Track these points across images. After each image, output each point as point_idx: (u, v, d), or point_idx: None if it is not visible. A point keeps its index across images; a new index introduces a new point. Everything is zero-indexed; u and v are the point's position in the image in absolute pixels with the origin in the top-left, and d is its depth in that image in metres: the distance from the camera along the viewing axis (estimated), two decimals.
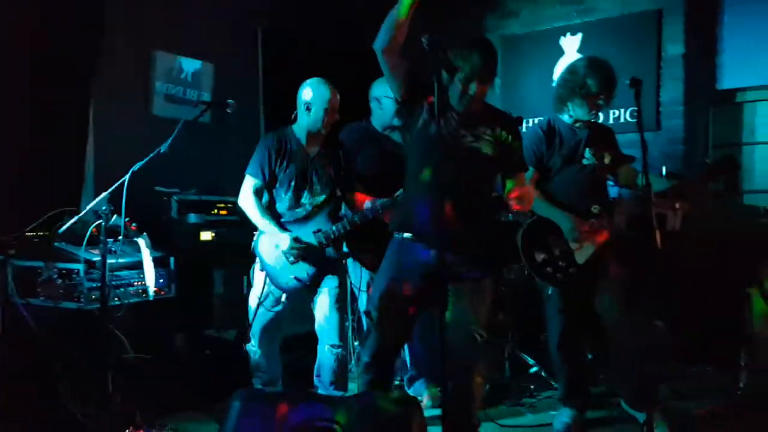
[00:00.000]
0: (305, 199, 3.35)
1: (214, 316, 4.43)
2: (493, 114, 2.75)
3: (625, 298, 3.22)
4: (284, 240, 3.24)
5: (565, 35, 5.47)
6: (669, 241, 2.82)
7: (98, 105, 4.06)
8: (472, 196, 2.63)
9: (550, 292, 3.34)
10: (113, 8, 4.13)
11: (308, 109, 3.32)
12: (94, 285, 3.12)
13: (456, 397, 2.63)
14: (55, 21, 3.76)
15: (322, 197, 3.37)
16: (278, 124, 3.50)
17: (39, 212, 3.28)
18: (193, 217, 4.08)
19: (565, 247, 3.23)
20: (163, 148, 2.96)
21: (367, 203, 3.36)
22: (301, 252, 3.25)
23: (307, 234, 3.29)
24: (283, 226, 3.31)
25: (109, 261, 2.90)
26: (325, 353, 3.40)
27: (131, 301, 3.29)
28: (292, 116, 3.43)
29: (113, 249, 3.03)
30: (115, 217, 2.93)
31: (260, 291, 3.35)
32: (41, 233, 3.28)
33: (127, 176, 2.89)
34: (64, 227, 3.15)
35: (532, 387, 3.95)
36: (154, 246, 3.39)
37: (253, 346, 3.47)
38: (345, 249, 3.52)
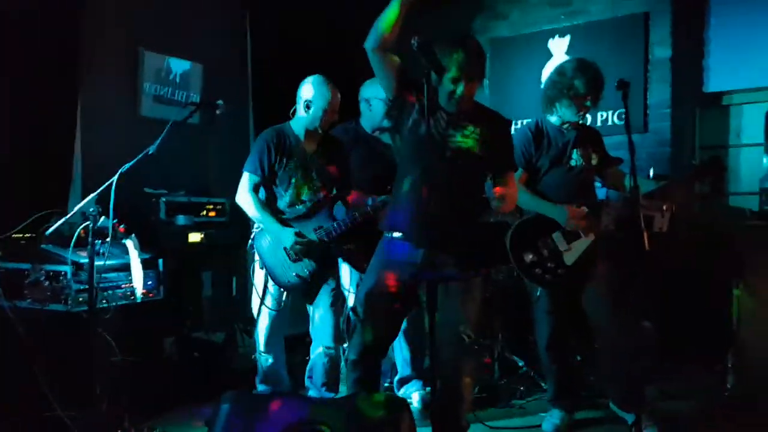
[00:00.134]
0: (306, 196, 3.34)
1: (203, 318, 4.42)
2: (483, 114, 2.75)
3: (613, 299, 3.24)
4: (287, 235, 3.23)
5: (553, 38, 5.50)
6: (656, 242, 2.84)
7: (86, 106, 4.04)
8: (462, 195, 2.64)
9: (538, 293, 3.36)
10: (100, 8, 4.11)
11: (308, 107, 3.32)
12: (82, 287, 3.10)
13: (445, 398, 2.63)
14: (39, 20, 3.73)
15: (323, 194, 3.37)
16: (268, 125, 3.49)
17: (26, 214, 3.25)
18: (181, 219, 4.06)
19: (554, 248, 3.24)
20: (151, 150, 2.95)
21: (369, 200, 3.36)
22: (304, 248, 3.24)
23: (308, 231, 3.29)
24: (284, 223, 3.30)
25: (97, 263, 2.88)
26: (319, 354, 3.40)
27: (119, 303, 3.27)
28: (291, 112, 3.42)
29: (101, 251, 3.00)
30: (103, 218, 2.91)
31: (261, 291, 3.33)
32: (28, 235, 3.25)
33: (115, 177, 2.88)
34: (52, 229, 3.12)
35: (521, 388, 3.96)
36: (142, 248, 3.37)
37: (263, 354, 3.43)
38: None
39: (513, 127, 4.99)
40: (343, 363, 3.52)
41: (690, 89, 5.14)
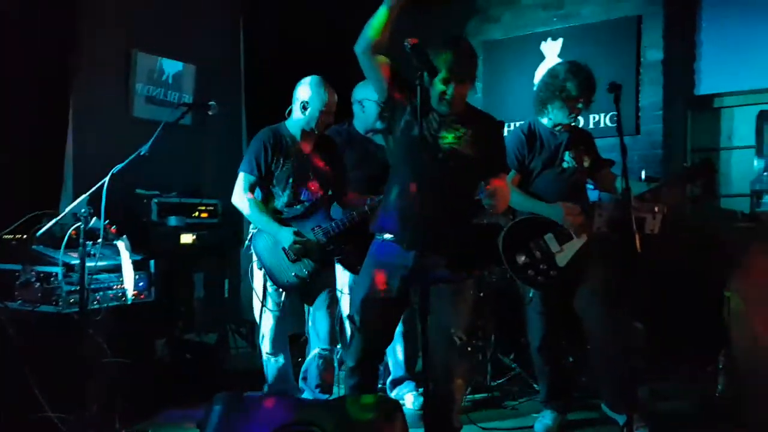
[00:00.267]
0: (304, 196, 3.34)
1: (195, 319, 4.40)
2: (475, 115, 2.76)
3: (605, 301, 3.25)
4: (286, 235, 3.22)
5: (546, 40, 5.52)
6: (648, 244, 2.85)
7: (78, 106, 4.02)
8: (453, 197, 2.64)
9: (531, 294, 3.36)
10: (93, 8, 4.10)
11: (304, 108, 3.31)
12: (73, 288, 3.09)
13: (437, 399, 2.63)
14: (30, 21, 3.71)
15: (320, 194, 3.37)
16: (260, 126, 3.49)
17: (17, 214, 3.23)
18: (173, 220, 4.05)
19: (546, 250, 3.25)
20: (143, 151, 2.94)
21: (367, 200, 3.36)
22: (303, 248, 3.24)
23: (306, 231, 3.28)
24: (282, 222, 3.29)
25: (88, 264, 2.87)
26: (314, 356, 3.39)
27: (110, 304, 3.25)
28: (286, 112, 3.42)
29: (92, 252, 2.99)
30: (94, 219, 2.90)
31: (262, 292, 3.33)
32: (19, 236, 3.23)
33: (107, 178, 2.86)
34: (43, 230, 3.11)
35: (513, 389, 3.96)
36: (133, 249, 3.36)
37: (271, 356, 3.40)
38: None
39: (506, 130, 5.05)
40: (336, 365, 3.52)
41: (681, 92, 5.17)
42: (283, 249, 3.25)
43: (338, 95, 3.42)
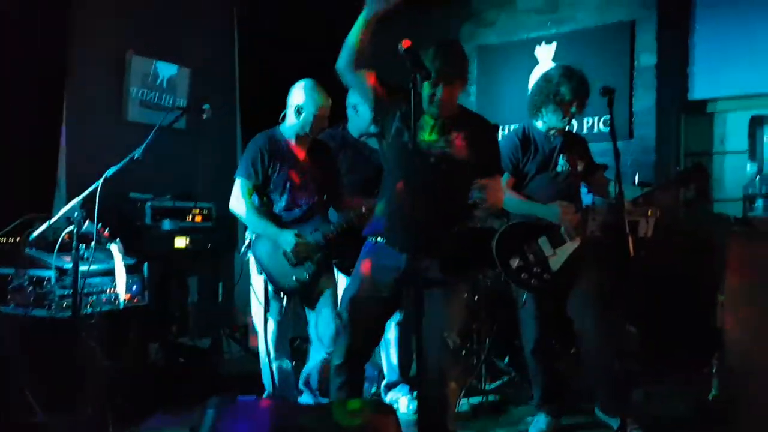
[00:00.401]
0: (301, 200, 3.34)
1: (189, 323, 4.39)
2: (468, 118, 2.76)
3: (598, 305, 3.26)
4: (287, 237, 3.22)
5: (540, 45, 5.54)
6: (641, 247, 2.86)
7: (72, 110, 4.02)
8: (446, 200, 2.64)
9: (525, 298, 3.37)
10: (87, 11, 4.09)
11: (299, 112, 3.31)
12: (66, 292, 3.07)
13: (431, 403, 2.63)
14: (25, 23, 3.71)
15: (317, 198, 3.37)
16: (255, 130, 3.49)
17: (10, 218, 3.22)
18: (167, 224, 4.04)
19: (540, 254, 3.26)
20: (137, 154, 2.93)
21: (363, 204, 3.36)
22: (304, 250, 3.23)
23: (305, 234, 3.28)
24: (282, 225, 3.29)
25: (81, 268, 2.86)
26: (317, 359, 3.38)
27: (104, 309, 3.24)
28: (280, 117, 3.42)
29: (85, 256, 2.98)
30: (87, 223, 2.89)
31: (263, 298, 3.32)
32: (12, 239, 3.23)
33: (100, 182, 2.85)
34: (36, 233, 3.10)
35: (507, 393, 3.96)
36: (127, 252, 3.35)
37: (275, 360, 3.39)
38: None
39: (500, 133, 5.06)
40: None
41: (675, 96, 5.19)
42: (284, 253, 3.25)
43: (332, 99, 3.42)
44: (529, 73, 5.47)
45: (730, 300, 3.56)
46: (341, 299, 2.90)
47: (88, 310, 3.14)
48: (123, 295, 3.29)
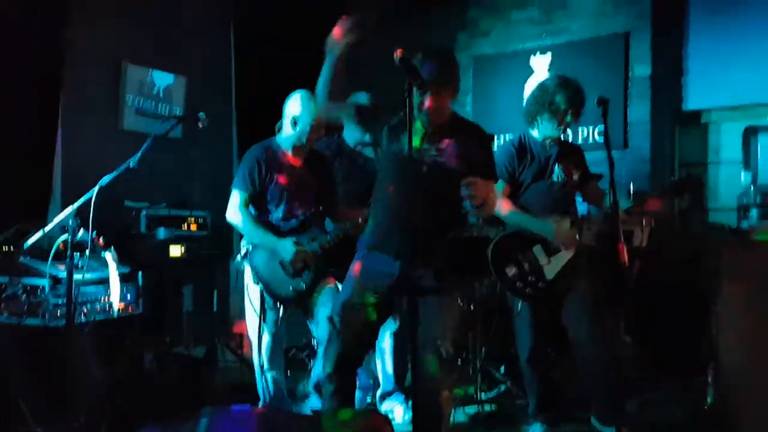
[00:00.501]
0: (298, 210, 3.34)
1: (183, 332, 4.37)
2: (461, 126, 2.76)
3: (593, 313, 3.26)
4: (286, 246, 3.22)
5: (535, 55, 5.57)
6: (635, 257, 2.87)
7: (67, 118, 4.02)
8: (439, 208, 2.64)
9: (520, 306, 3.37)
10: (83, 19, 4.10)
11: (295, 123, 3.32)
12: (60, 301, 3.06)
13: (425, 412, 2.62)
14: (20, 31, 3.71)
15: (313, 208, 3.37)
16: (251, 139, 3.49)
17: (4, 226, 3.22)
18: (162, 232, 4.04)
19: (535, 262, 3.26)
20: (132, 163, 2.93)
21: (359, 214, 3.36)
22: (302, 258, 3.23)
23: (303, 244, 3.28)
24: (280, 235, 3.29)
25: (75, 277, 2.85)
26: None
27: (98, 317, 3.23)
28: (276, 128, 3.42)
29: (80, 264, 2.98)
30: (82, 231, 2.88)
31: (260, 308, 3.31)
32: (6, 248, 3.22)
33: (95, 190, 2.85)
34: (30, 242, 3.09)
35: (503, 402, 3.95)
36: (122, 261, 3.35)
37: (268, 371, 3.37)
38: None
39: (495, 143, 5.08)
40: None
41: (669, 107, 5.22)
42: (281, 263, 3.25)
43: None
44: (524, 83, 5.51)
45: (724, 308, 3.57)
46: (333, 304, 2.89)
47: (83, 319, 3.13)
48: (117, 304, 3.28)
